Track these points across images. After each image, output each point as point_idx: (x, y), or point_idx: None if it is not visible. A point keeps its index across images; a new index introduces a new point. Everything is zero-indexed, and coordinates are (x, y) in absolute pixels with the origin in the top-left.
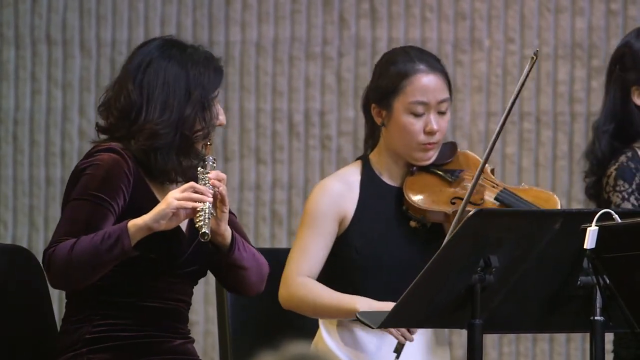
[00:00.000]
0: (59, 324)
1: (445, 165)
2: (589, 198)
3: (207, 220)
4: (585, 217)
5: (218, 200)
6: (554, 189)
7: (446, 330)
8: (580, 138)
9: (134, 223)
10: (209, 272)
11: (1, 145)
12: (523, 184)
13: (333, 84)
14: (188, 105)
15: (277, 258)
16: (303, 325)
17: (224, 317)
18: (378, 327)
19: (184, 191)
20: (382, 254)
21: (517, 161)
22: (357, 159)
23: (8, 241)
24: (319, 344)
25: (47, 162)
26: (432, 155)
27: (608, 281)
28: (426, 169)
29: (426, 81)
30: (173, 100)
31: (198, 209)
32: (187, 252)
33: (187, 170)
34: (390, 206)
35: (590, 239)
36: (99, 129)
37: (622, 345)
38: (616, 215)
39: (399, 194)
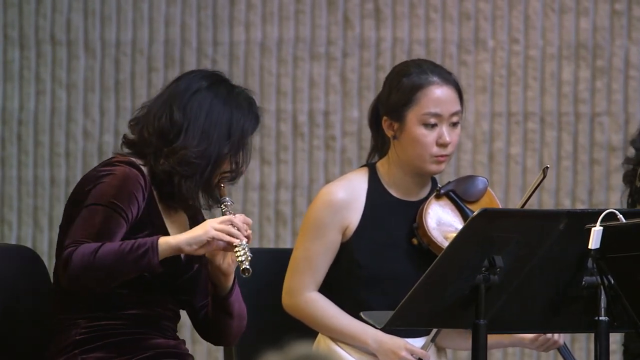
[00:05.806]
0: None
1: (470, 204)
2: (625, 184)
3: (248, 257)
4: (589, 217)
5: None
6: (559, 189)
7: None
8: (584, 138)
9: (166, 240)
10: None
11: (5, 145)
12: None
13: (337, 84)
14: (227, 144)
15: (282, 258)
16: (307, 326)
17: None
18: (382, 328)
19: (222, 223)
20: (384, 267)
21: (521, 161)
22: (363, 165)
23: (12, 242)
24: (320, 344)
25: (51, 163)
26: (444, 168)
27: (612, 281)
28: (452, 198)
29: (439, 93)
30: (213, 134)
31: (235, 244)
32: (183, 277)
33: (200, 205)
34: (395, 219)
35: (594, 239)
36: (127, 141)
37: (632, 338)
38: (621, 215)
39: (405, 208)
